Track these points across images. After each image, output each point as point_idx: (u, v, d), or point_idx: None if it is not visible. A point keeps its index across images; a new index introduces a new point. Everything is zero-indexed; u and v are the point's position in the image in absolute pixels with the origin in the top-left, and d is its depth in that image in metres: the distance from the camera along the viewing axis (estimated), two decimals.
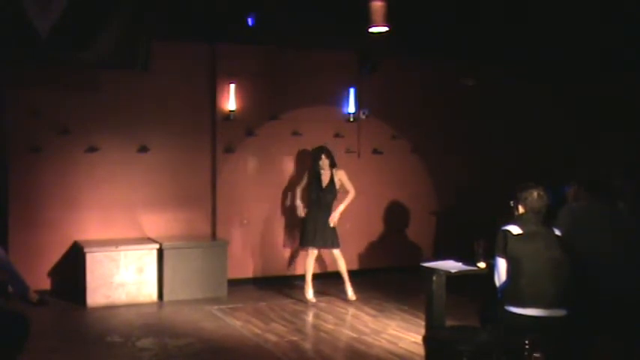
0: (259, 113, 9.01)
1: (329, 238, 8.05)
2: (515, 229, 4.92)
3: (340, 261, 8.11)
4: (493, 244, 5.02)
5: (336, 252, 8.11)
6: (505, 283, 4.92)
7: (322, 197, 8.07)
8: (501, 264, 4.94)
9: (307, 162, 8.80)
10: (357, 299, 8.12)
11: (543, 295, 4.76)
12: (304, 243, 8.15)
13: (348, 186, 8.18)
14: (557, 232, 5.00)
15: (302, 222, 8.21)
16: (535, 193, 4.98)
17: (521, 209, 5.03)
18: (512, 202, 5.10)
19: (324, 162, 8.07)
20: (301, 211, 8.26)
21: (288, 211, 9.04)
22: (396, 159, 9.70)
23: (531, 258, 4.81)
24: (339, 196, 8.16)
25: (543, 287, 4.76)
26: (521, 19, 8.25)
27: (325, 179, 8.10)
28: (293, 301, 8.12)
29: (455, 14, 8.20)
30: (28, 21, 6.78)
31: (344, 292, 8.17)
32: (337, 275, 8.19)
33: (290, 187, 8.97)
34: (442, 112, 9.84)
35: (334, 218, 8.04)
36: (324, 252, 8.39)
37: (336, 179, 8.13)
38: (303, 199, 8.32)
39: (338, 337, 6.82)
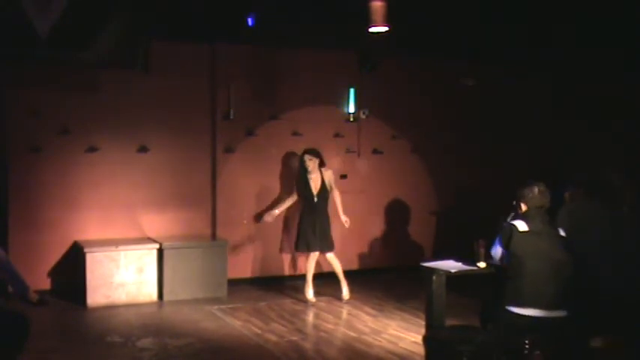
0: (259, 113, 9.01)
1: (327, 242, 8.02)
2: (522, 226, 4.95)
3: (335, 262, 8.08)
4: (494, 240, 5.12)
5: (330, 255, 8.06)
6: (500, 253, 5.06)
7: (318, 203, 7.99)
8: (499, 250, 5.07)
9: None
10: (357, 299, 8.12)
11: (543, 296, 4.77)
12: (305, 248, 8.02)
13: (334, 186, 8.16)
14: (562, 233, 5.02)
15: (299, 228, 8.10)
16: (536, 190, 5.02)
17: (523, 207, 5.06)
18: (514, 202, 5.13)
19: (309, 163, 7.98)
20: (271, 217, 8.35)
21: (288, 212, 9.05)
22: (396, 159, 9.70)
23: (534, 258, 4.83)
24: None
25: (544, 288, 4.77)
26: (521, 19, 8.24)
27: (316, 184, 8.01)
28: (293, 301, 8.11)
29: (455, 14, 8.20)
30: (28, 21, 6.78)
31: (339, 291, 8.14)
32: (335, 275, 8.19)
33: (288, 188, 9.00)
34: (442, 112, 9.84)
35: (347, 221, 8.09)
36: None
37: (326, 180, 8.06)
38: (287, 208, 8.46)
39: (338, 337, 6.82)
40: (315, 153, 8.07)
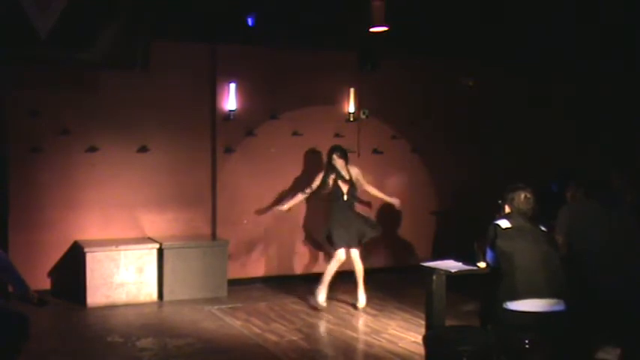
0: (259, 113, 9.01)
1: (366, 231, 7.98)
2: (504, 224, 5.07)
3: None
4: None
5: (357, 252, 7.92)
6: (494, 267, 5.13)
7: (347, 200, 7.85)
8: (490, 253, 5.15)
9: (308, 161, 8.84)
10: (356, 299, 8.12)
11: (536, 285, 4.82)
12: (344, 244, 7.77)
13: (363, 182, 8.05)
14: (543, 228, 5.12)
15: (331, 224, 7.84)
16: (522, 195, 5.12)
17: (507, 209, 5.19)
18: (499, 201, 5.26)
19: (338, 162, 7.84)
20: (286, 208, 8.13)
21: (291, 212, 9.04)
22: (396, 159, 9.70)
23: (520, 251, 4.93)
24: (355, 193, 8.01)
25: (535, 277, 4.86)
26: (521, 19, 8.25)
27: (346, 180, 7.87)
28: (293, 301, 8.11)
29: (455, 14, 8.21)
30: (28, 21, 6.79)
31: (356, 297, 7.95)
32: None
33: (289, 186, 8.99)
34: (442, 112, 9.84)
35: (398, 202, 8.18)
36: (310, 254, 8.20)
37: (353, 176, 7.93)
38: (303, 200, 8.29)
39: (338, 337, 6.82)
40: (344, 151, 7.94)
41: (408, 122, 9.71)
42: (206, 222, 8.85)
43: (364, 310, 7.74)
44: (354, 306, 7.87)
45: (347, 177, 7.89)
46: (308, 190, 8.05)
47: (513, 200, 5.11)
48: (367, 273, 9.30)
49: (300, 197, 8.21)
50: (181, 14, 7.93)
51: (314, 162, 9.14)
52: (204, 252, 8.29)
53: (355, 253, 7.88)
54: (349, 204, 7.92)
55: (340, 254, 7.76)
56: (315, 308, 7.74)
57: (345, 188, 7.87)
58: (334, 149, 7.92)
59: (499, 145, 9.96)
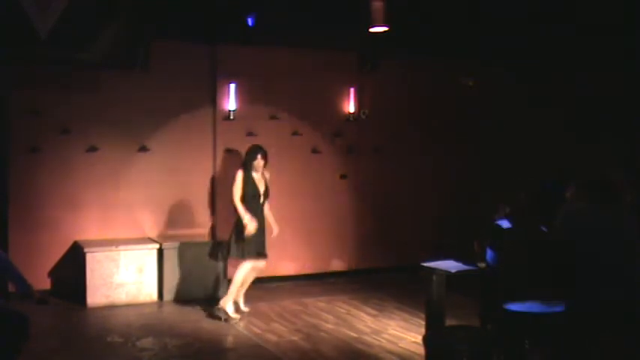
0: (259, 113, 9.02)
1: (265, 248, 7.46)
2: (505, 224, 5.14)
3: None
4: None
5: (264, 264, 7.53)
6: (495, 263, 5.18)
7: (262, 204, 7.38)
8: (490, 253, 5.21)
9: (308, 161, 8.86)
10: (357, 299, 8.11)
11: (538, 286, 4.82)
12: (258, 254, 7.34)
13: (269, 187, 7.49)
14: (543, 229, 5.15)
15: (247, 233, 7.20)
16: (522, 194, 5.19)
17: (508, 210, 5.29)
18: (498, 204, 5.31)
19: (260, 163, 7.34)
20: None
21: (291, 212, 9.05)
22: (395, 159, 9.70)
23: (520, 252, 4.97)
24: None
25: (535, 278, 4.87)
26: (521, 19, 8.25)
27: (261, 183, 7.39)
28: (293, 301, 8.11)
29: (455, 14, 8.21)
30: (29, 21, 6.79)
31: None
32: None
33: (288, 188, 8.97)
34: (442, 112, 9.84)
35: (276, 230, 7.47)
36: (310, 254, 7.95)
37: (267, 179, 7.48)
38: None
39: (338, 337, 6.82)
40: (266, 152, 7.42)
41: (408, 122, 9.72)
42: (206, 222, 8.85)
43: (364, 311, 7.74)
44: (238, 310, 7.46)
45: (262, 180, 7.40)
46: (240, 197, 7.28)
47: (512, 200, 5.14)
48: (368, 273, 9.38)
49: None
50: (181, 14, 7.93)
51: (312, 161, 9.16)
52: (204, 252, 8.29)
53: (263, 264, 7.47)
54: (262, 208, 7.41)
55: (248, 265, 7.28)
56: (229, 319, 7.22)
57: (261, 189, 7.36)
58: (259, 150, 7.35)
59: (499, 145, 9.96)
